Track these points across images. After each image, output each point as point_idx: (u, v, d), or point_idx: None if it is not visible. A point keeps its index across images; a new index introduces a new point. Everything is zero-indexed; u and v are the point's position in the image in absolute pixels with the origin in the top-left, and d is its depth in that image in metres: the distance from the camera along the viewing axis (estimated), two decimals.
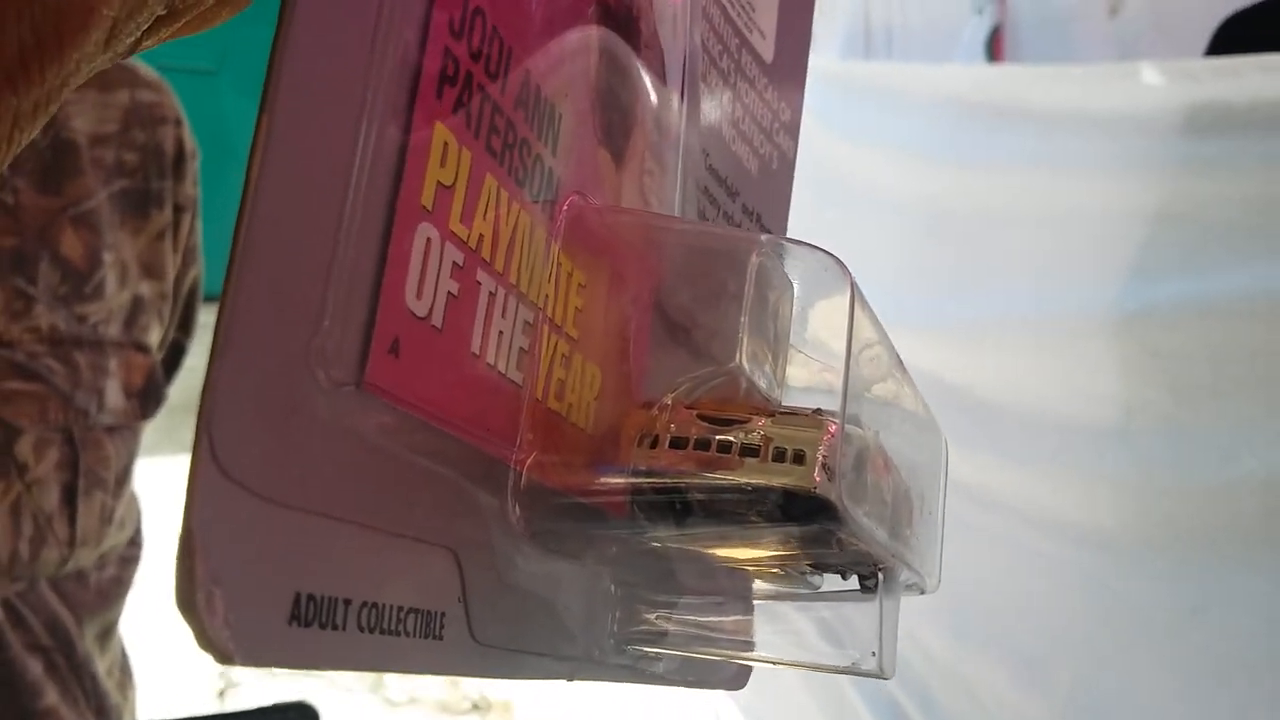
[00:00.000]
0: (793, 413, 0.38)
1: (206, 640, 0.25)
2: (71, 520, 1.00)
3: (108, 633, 1.14)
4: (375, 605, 0.30)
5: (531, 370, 0.37)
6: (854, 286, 0.37)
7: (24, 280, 0.94)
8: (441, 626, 0.33)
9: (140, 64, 1.07)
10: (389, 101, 0.30)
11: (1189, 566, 0.83)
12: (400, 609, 0.31)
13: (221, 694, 3.22)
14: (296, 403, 0.27)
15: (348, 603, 0.29)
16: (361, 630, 0.29)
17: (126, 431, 1.07)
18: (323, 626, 0.28)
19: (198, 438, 0.25)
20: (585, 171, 0.41)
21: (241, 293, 0.26)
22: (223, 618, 0.25)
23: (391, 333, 0.30)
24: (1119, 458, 0.80)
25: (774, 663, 0.46)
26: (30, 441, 0.96)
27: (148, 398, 1.12)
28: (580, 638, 0.42)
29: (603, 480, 0.37)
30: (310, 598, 0.28)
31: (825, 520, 0.37)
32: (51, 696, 1.03)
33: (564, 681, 0.42)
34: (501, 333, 0.35)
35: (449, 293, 0.32)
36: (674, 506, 0.38)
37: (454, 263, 0.32)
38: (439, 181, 0.31)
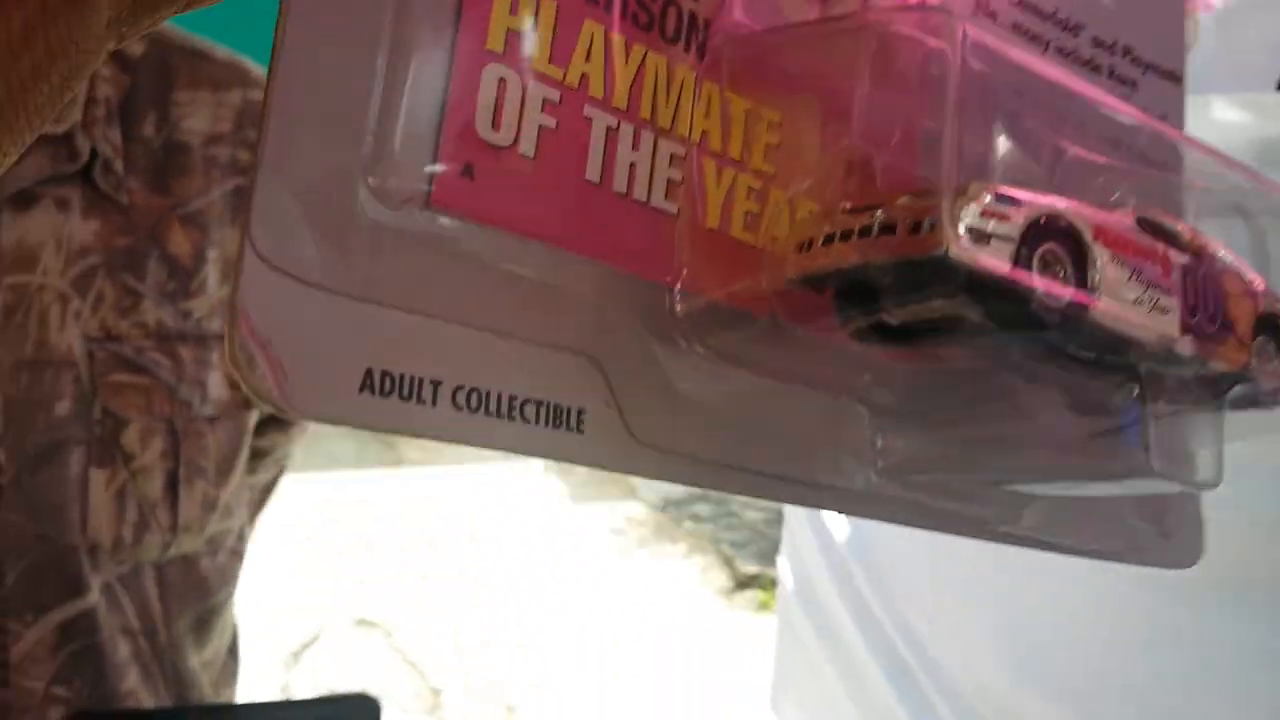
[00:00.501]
0: (933, 189, 0.36)
1: (253, 390, 0.31)
2: (173, 507, 1.03)
3: (205, 624, 1.12)
4: (478, 390, 0.34)
5: (692, 200, 0.39)
6: None
7: (133, 278, 0.99)
8: (580, 422, 0.36)
9: (252, 64, 1.10)
10: None
11: (1263, 610, 0.74)
12: (515, 398, 0.35)
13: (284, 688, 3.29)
14: (354, 211, 0.33)
15: (437, 383, 0.33)
16: (459, 409, 0.34)
17: (229, 422, 1.08)
18: (405, 399, 0.33)
19: (242, 239, 0.32)
20: (757, 7, 0.42)
21: (282, 104, 0.32)
22: (272, 375, 0.31)
23: (462, 157, 0.35)
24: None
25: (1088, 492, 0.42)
26: (136, 431, 1.00)
27: None
28: (836, 465, 0.42)
29: (757, 286, 0.38)
30: (387, 374, 0.33)
31: (964, 287, 0.34)
32: (133, 679, 1.04)
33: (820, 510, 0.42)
34: (634, 164, 0.38)
35: (541, 126, 0.36)
36: (837, 300, 0.37)
37: (544, 99, 0.36)
38: (509, 28, 0.36)
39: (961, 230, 0.34)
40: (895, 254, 0.34)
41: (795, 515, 1.20)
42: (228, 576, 1.11)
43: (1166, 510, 0.49)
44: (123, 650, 1.01)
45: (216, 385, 1.03)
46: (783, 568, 1.18)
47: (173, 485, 1.00)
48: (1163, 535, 0.48)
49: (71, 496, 0.95)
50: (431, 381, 0.33)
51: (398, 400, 0.33)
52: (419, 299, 0.34)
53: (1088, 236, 0.36)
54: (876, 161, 0.41)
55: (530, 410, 0.35)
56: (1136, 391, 0.39)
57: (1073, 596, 0.82)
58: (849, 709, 1.00)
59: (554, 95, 0.36)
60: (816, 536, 1.07)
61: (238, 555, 1.13)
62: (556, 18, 0.37)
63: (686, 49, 0.40)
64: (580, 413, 0.36)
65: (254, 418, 1.10)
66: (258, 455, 1.26)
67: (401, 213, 0.33)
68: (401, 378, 0.33)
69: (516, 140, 0.35)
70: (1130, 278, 0.37)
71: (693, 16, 0.40)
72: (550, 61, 0.37)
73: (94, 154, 0.95)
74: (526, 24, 0.36)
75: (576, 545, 4.50)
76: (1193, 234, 0.39)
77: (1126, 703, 0.78)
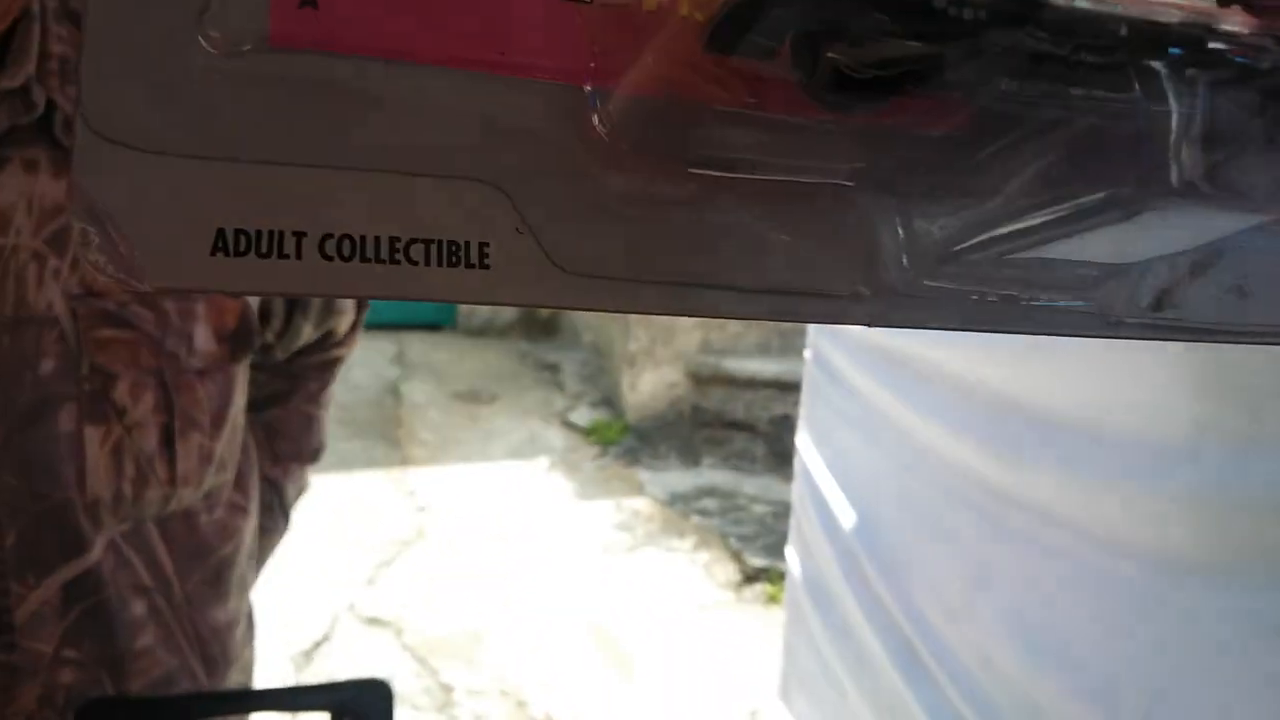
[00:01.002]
0: None
1: (98, 267, 0.31)
2: (170, 461, 1.00)
3: (220, 578, 1.08)
4: (349, 236, 0.32)
5: None
6: None
7: None
8: (483, 255, 0.33)
9: None
10: None
11: (1265, 586, 0.67)
12: (397, 239, 0.32)
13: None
14: (188, 65, 0.32)
15: (300, 234, 0.32)
16: (329, 258, 0.32)
17: (219, 374, 1.04)
18: (263, 255, 0.32)
19: (75, 115, 0.32)
20: None
21: None
22: (118, 250, 0.31)
23: None
24: (1189, 474, 0.70)
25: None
26: (126, 385, 0.96)
27: (239, 341, 1.06)
28: (848, 269, 0.35)
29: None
30: (241, 232, 0.32)
31: None
32: (148, 637, 1.01)
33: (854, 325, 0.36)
34: None
35: None
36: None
37: None
38: None
39: None
40: None
41: (802, 503, 1.16)
42: (230, 531, 1.09)
43: None
44: (137, 608, 0.99)
45: (203, 337, 1.02)
46: (790, 558, 1.16)
47: (169, 439, 0.99)
48: None
49: (64, 454, 0.94)
50: (294, 233, 0.32)
51: (255, 258, 0.31)
52: (271, 148, 0.32)
53: None
54: None
55: (418, 250, 0.32)
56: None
57: (1086, 580, 0.75)
58: (858, 699, 0.99)
59: None
60: (824, 525, 1.06)
61: (237, 509, 1.11)
62: None
63: None
64: (483, 245, 0.32)
65: (243, 370, 1.08)
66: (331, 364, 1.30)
67: (240, 59, 0.31)
68: (258, 234, 0.31)
69: None
70: None
71: None
72: None
73: (51, 105, 0.93)
74: None
75: (584, 541, 4.36)
76: None
77: (1143, 687, 0.73)
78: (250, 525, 1.13)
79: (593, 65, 0.33)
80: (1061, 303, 0.36)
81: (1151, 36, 0.27)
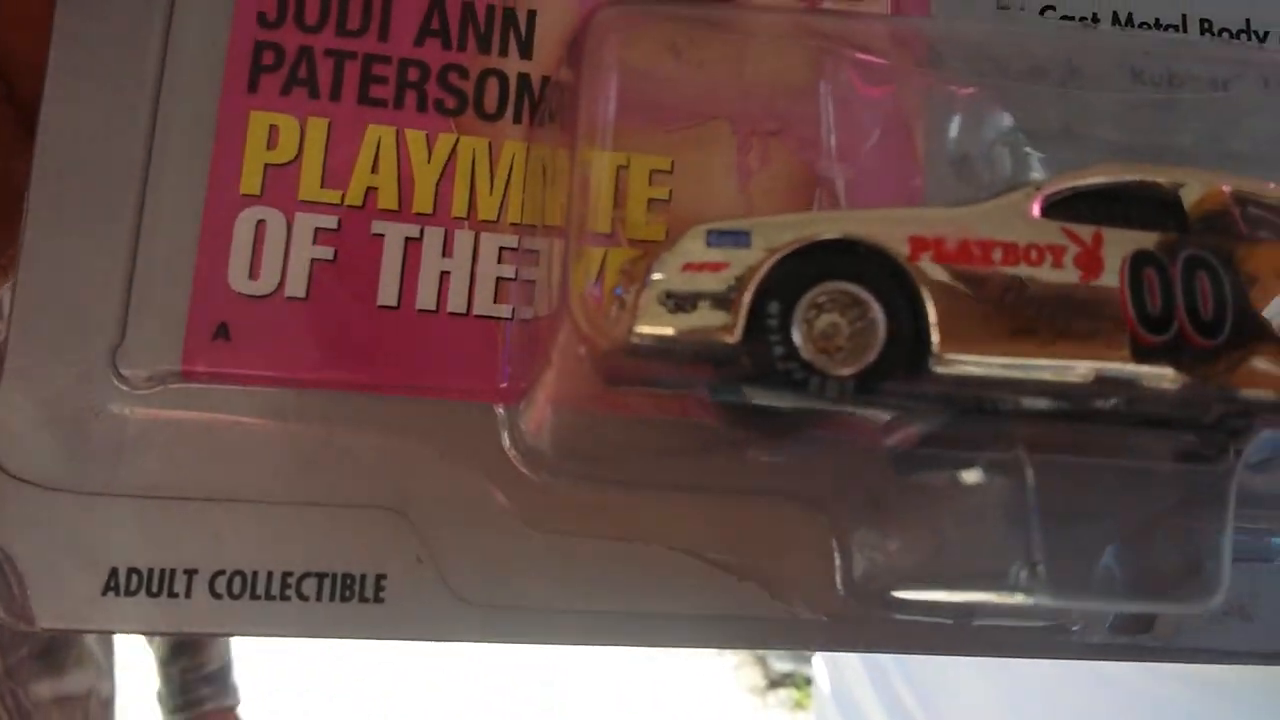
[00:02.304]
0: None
1: (2, 612, 0.31)
2: None
3: (54, 653, 0.97)
4: (241, 573, 0.32)
5: (537, 295, 0.34)
6: None
7: None
8: (379, 589, 0.32)
9: None
10: (191, 111, 0.34)
11: None
12: (290, 574, 0.32)
13: None
14: (98, 404, 0.32)
15: (192, 572, 0.32)
16: (218, 597, 0.31)
17: None
18: (153, 595, 0.31)
19: None
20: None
21: (24, 311, 0.33)
22: (13, 590, 0.31)
23: (215, 319, 0.33)
24: None
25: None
26: None
27: None
28: (791, 589, 0.33)
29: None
30: (134, 570, 0.32)
31: None
32: None
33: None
34: (448, 273, 0.34)
35: (313, 259, 0.33)
36: None
37: (316, 230, 0.33)
38: (266, 164, 0.33)
39: (652, 299, 0.25)
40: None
41: None
42: None
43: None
44: None
45: None
46: (819, 670, 1.11)
47: None
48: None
49: None
50: (185, 571, 0.31)
51: (145, 597, 0.31)
52: (172, 483, 0.32)
53: (901, 258, 0.25)
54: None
55: (310, 586, 0.31)
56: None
57: (1138, 709, 0.69)
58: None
59: (330, 222, 0.33)
60: None
61: None
62: (329, 134, 0.33)
63: (517, 120, 0.34)
64: (379, 578, 0.31)
65: None
66: None
67: (150, 394, 0.32)
68: (150, 572, 0.31)
69: (281, 284, 0.32)
70: (1002, 299, 0.25)
71: (524, 79, 0.34)
72: (323, 186, 0.33)
73: None
74: (289, 154, 0.33)
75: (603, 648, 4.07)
76: (1170, 193, 0.26)
77: None
78: None
79: (504, 386, 0.32)
80: (1023, 624, 0.33)
81: (1040, 392, 0.25)
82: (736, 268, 0.24)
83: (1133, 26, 0.37)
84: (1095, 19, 0.36)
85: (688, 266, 0.24)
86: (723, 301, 0.24)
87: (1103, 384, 0.24)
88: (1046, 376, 0.24)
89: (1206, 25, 0.37)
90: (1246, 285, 0.25)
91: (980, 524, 0.27)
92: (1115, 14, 0.37)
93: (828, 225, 0.24)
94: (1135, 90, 0.32)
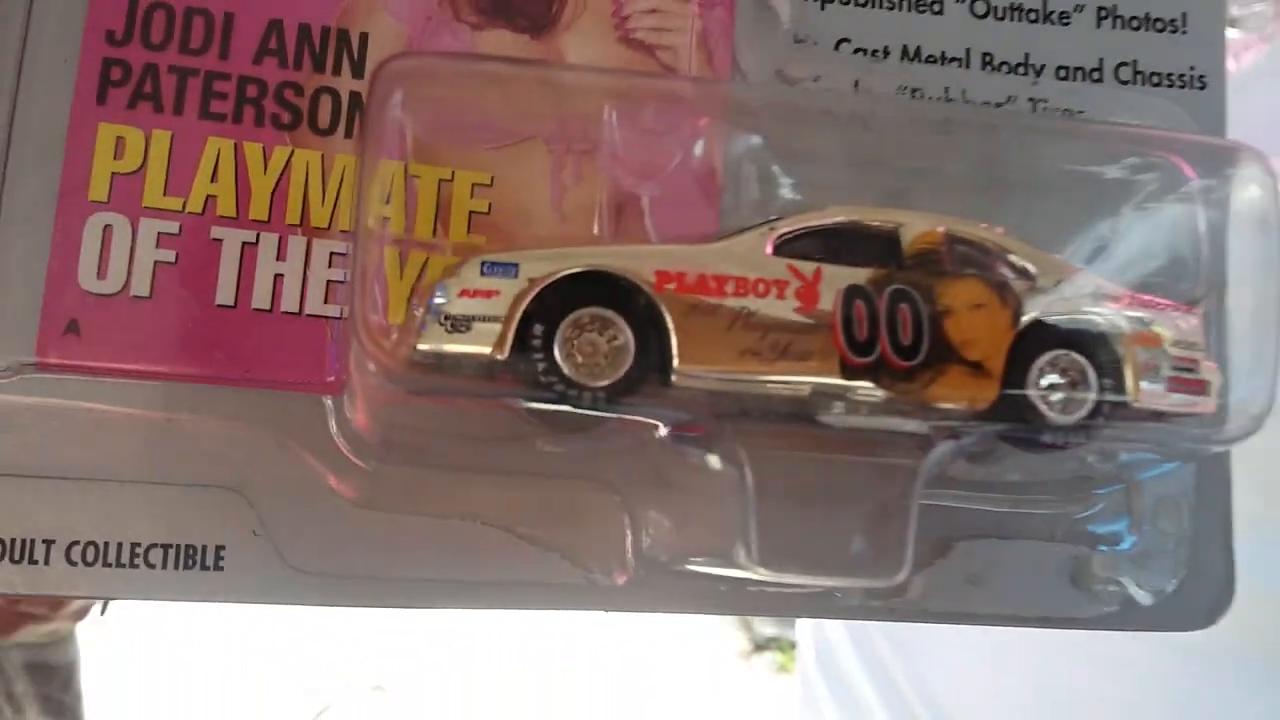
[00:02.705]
0: None
1: None
2: None
3: None
4: (94, 543, 0.35)
5: (364, 297, 0.37)
6: None
7: None
8: (219, 558, 0.36)
9: None
10: (43, 122, 0.37)
11: None
12: (138, 545, 0.35)
13: None
14: None
15: (50, 542, 0.35)
16: (73, 564, 0.35)
17: None
18: (15, 561, 0.35)
19: None
20: None
21: None
22: None
23: (66, 315, 0.36)
24: None
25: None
26: None
27: None
28: (585, 558, 0.37)
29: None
30: None
31: None
32: None
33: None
34: (281, 276, 0.37)
35: (157, 262, 0.36)
36: None
37: (159, 234, 0.37)
38: (114, 172, 0.37)
39: (433, 320, 0.29)
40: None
41: None
42: None
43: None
44: None
45: None
46: (802, 633, 1.14)
47: None
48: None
49: None
50: (44, 541, 0.35)
51: (8, 564, 0.35)
52: (30, 462, 0.35)
53: (649, 288, 0.29)
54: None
55: (156, 555, 0.35)
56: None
57: (1105, 665, 0.71)
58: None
59: (172, 227, 0.36)
60: None
61: None
62: (171, 146, 0.36)
63: (349, 134, 0.38)
64: (219, 549, 0.35)
65: None
66: None
67: (7, 384, 0.35)
68: (11, 542, 0.35)
69: (127, 284, 0.36)
70: (733, 324, 0.29)
71: (355, 97, 0.38)
72: (165, 194, 0.36)
73: None
74: (134, 163, 0.36)
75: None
76: (888, 236, 0.30)
77: None
78: None
79: (330, 379, 0.36)
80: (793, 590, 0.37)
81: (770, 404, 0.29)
82: (506, 295, 0.28)
83: (919, 60, 0.41)
84: (885, 53, 0.40)
85: (464, 292, 0.28)
86: (493, 323, 0.28)
87: (817, 396, 0.29)
88: (769, 390, 0.29)
89: (988, 59, 0.41)
90: (943, 315, 0.29)
91: (719, 508, 0.32)
92: (905, 47, 0.41)
93: (586, 259, 0.29)
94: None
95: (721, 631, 4.16)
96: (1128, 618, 0.40)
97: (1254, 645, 0.65)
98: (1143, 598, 0.39)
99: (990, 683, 0.85)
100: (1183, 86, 0.42)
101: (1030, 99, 0.41)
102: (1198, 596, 0.40)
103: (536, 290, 0.29)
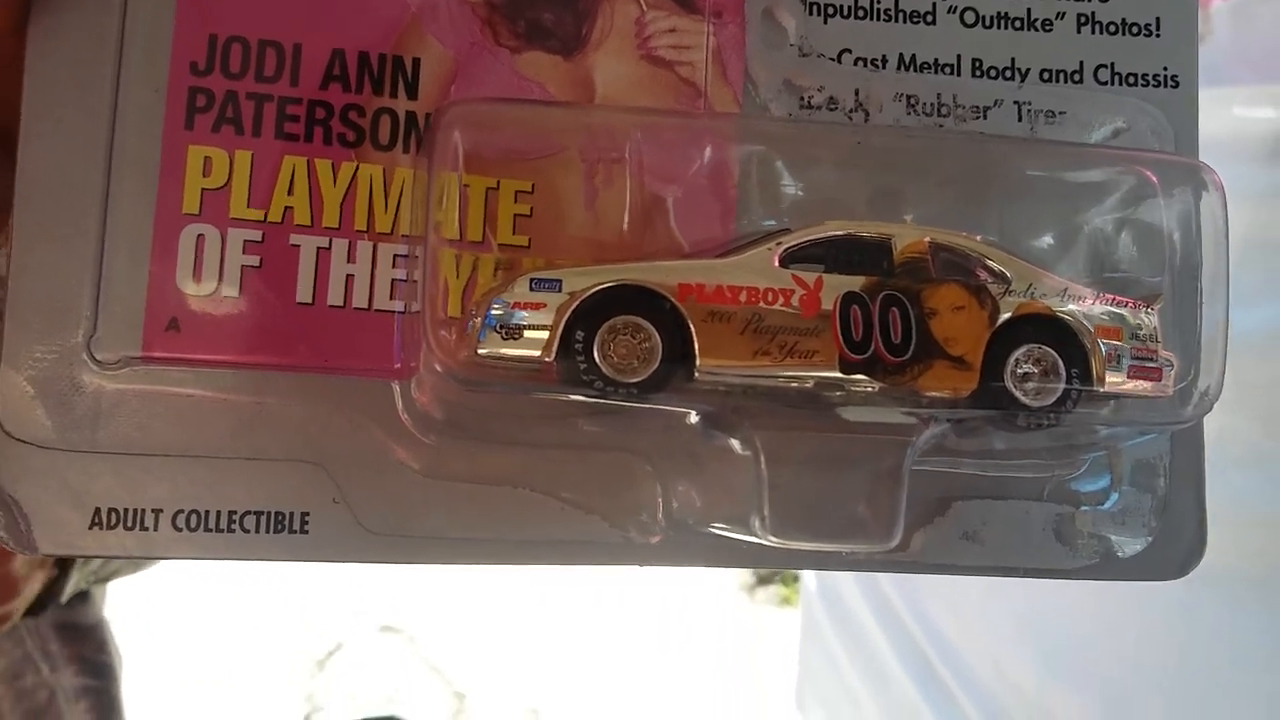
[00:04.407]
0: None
1: (7, 538, 0.40)
2: None
3: None
4: (197, 511, 0.41)
5: (427, 294, 0.42)
6: None
7: None
8: (304, 523, 0.41)
9: None
10: (140, 145, 0.42)
11: None
12: (234, 513, 0.41)
13: (308, 717, 2.64)
14: (79, 381, 0.41)
15: (158, 511, 0.41)
16: (179, 530, 0.41)
17: None
18: (129, 528, 0.41)
19: None
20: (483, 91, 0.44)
21: (16, 309, 0.41)
22: (21, 525, 0.40)
23: (167, 314, 0.42)
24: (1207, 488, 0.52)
25: None
26: None
27: None
28: (625, 520, 0.43)
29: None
30: (113, 510, 0.41)
31: None
32: None
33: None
34: (351, 276, 0.42)
35: (244, 266, 0.42)
36: None
37: (245, 241, 0.42)
38: (204, 188, 0.42)
39: (491, 327, 0.34)
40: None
41: None
42: None
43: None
44: None
45: None
46: None
47: None
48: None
49: None
50: (153, 510, 0.41)
51: (123, 531, 0.40)
52: (140, 442, 0.41)
53: (673, 298, 0.34)
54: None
55: (250, 521, 0.41)
56: None
57: (1099, 590, 0.73)
58: (873, 709, 0.97)
59: (255, 235, 0.41)
60: None
61: None
62: (253, 164, 0.42)
63: (406, 150, 0.43)
64: (304, 515, 0.41)
65: None
66: None
67: (118, 375, 0.41)
68: (126, 511, 0.40)
69: (219, 286, 0.41)
70: (746, 328, 0.34)
71: (411, 117, 0.43)
72: (249, 206, 0.41)
73: None
74: (220, 180, 0.41)
75: None
76: (880, 247, 0.35)
77: (1153, 695, 0.73)
78: None
79: (397, 366, 0.42)
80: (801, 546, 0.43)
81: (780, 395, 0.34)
82: (551, 306, 0.34)
83: (915, 68, 0.45)
84: (883, 61, 0.45)
85: (516, 305, 0.34)
86: (541, 331, 0.33)
87: (820, 388, 0.34)
88: (779, 383, 0.34)
89: (977, 64, 0.46)
90: (928, 316, 0.34)
91: (740, 478, 0.37)
92: (901, 56, 0.45)
93: (619, 274, 0.34)
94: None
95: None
96: (1108, 568, 0.45)
97: (1251, 568, 0.67)
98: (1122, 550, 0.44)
99: (987, 609, 0.88)
100: (1157, 86, 0.47)
101: (1016, 101, 0.45)
102: (1172, 550, 0.45)
103: (577, 302, 0.34)
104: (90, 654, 1.11)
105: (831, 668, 1.10)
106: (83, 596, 1.07)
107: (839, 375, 0.34)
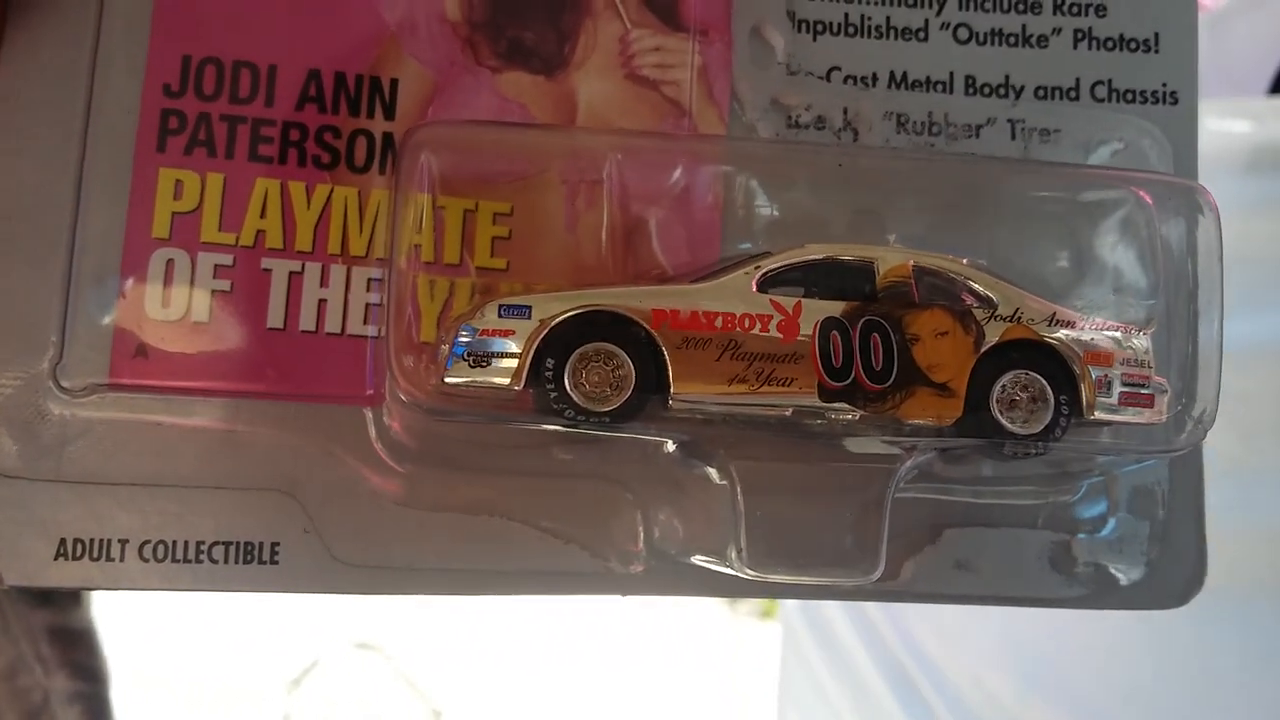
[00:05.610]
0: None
1: None
2: None
3: None
4: (164, 542, 0.40)
5: (398, 317, 0.41)
6: None
7: None
8: (274, 553, 0.40)
9: None
10: (110, 167, 0.41)
11: (1260, 613, 0.69)
12: (202, 543, 0.40)
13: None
14: (43, 410, 0.40)
15: (124, 541, 0.40)
16: (146, 561, 0.40)
17: None
18: (95, 559, 0.40)
19: None
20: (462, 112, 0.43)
21: None
22: None
23: (135, 340, 0.41)
24: None
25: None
26: None
27: None
28: (604, 550, 0.42)
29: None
30: (78, 541, 0.40)
31: None
32: None
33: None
34: (324, 300, 0.41)
35: (214, 290, 0.41)
36: None
37: (216, 266, 0.41)
38: (174, 212, 0.41)
39: (459, 355, 0.33)
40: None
41: None
42: None
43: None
44: None
45: None
46: None
47: None
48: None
49: None
50: (119, 540, 0.40)
51: (89, 561, 0.39)
52: (107, 471, 0.40)
53: (647, 325, 0.33)
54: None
55: (219, 551, 0.40)
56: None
57: (1092, 628, 0.73)
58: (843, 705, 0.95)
59: (226, 260, 0.40)
60: None
61: None
62: (224, 187, 0.41)
63: (382, 171, 0.42)
64: (275, 545, 0.40)
65: None
66: None
67: (85, 402, 0.40)
68: (91, 541, 0.39)
69: (188, 311, 0.40)
70: (723, 355, 0.33)
71: (389, 138, 0.42)
72: (220, 229, 0.41)
73: None
74: (191, 203, 0.40)
75: None
76: (861, 272, 0.34)
77: (1130, 709, 0.73)
78: None
79: (370, 392, 0.41)
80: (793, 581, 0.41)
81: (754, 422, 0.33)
82: (520, 333, 0.33)
83: (906, 86, 0.44)
84: (874, 79, 0.44)
85: (484, 332, 0.33)
86: (510, 359, 0.32)
87: (799, 416, 0.33)
88: (756, 411, 0.33)
89: (970, 81, 0.45)
90: (911, 342, 0.33)
91: (719, 507, 0.36)
92: (892, 73, 0.44)
93: (590, 299, 0.33)
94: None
95: None
96: (1105, 597, 0.43)
97: (1229, 582, 0.67)
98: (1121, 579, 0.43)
99: (967, 623, 0.87)
100: (1156, 102, 0.45)
101: (1010, 120, 0.44)
102: (1172, 578, 0.44)
103: (547, 329, 0.33)
104: (82, 659, 1.11)
105: (812, 680, 1.09)
106: (74, 598, 1.10)
107: (818, 403, 0.33)
